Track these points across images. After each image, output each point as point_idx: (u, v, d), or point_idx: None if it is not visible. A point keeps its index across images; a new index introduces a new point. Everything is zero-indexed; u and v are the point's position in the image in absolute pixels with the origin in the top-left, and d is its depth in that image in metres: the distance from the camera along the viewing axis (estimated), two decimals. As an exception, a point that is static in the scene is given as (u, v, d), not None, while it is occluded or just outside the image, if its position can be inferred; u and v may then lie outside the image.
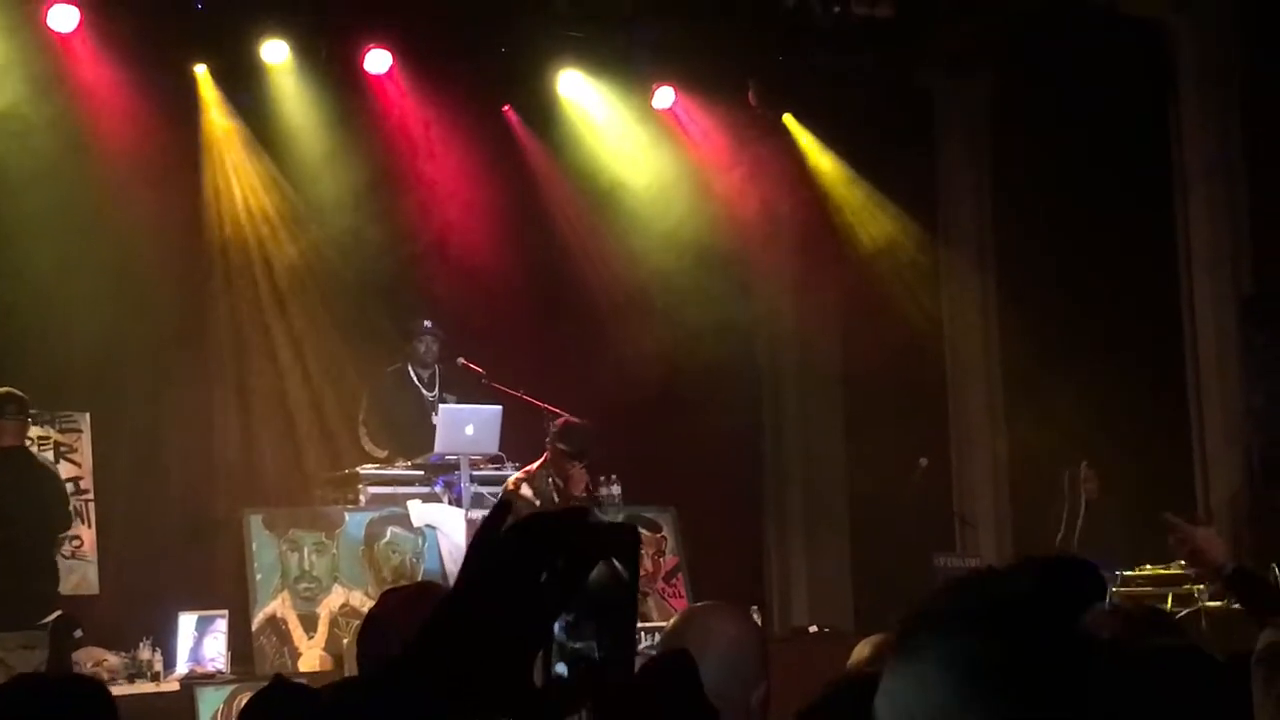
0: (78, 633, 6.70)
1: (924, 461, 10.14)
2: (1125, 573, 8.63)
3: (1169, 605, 8.30)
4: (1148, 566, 8.71)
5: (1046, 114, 10.02)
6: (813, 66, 10.27)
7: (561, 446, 7.80)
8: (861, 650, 3.36)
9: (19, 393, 6.68)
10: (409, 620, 2.86)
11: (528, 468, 7.85)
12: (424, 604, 2.94)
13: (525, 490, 7.80)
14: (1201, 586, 8.51)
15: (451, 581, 5.99)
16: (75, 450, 7.28)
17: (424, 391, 9.28)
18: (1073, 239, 9.91)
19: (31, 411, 7.12)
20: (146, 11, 9.01)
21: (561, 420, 7.84)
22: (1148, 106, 9.68)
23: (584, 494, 7.78)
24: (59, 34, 8.88)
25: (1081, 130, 9.74)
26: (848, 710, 2.42)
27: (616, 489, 9.40)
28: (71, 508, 6.73)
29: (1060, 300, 10.07)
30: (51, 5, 8.76)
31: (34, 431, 7.60)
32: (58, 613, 6.44)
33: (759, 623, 8.94)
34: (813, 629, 10.20)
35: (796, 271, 11.16)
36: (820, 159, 11.05)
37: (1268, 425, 9.29)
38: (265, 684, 2.76)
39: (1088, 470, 9.32)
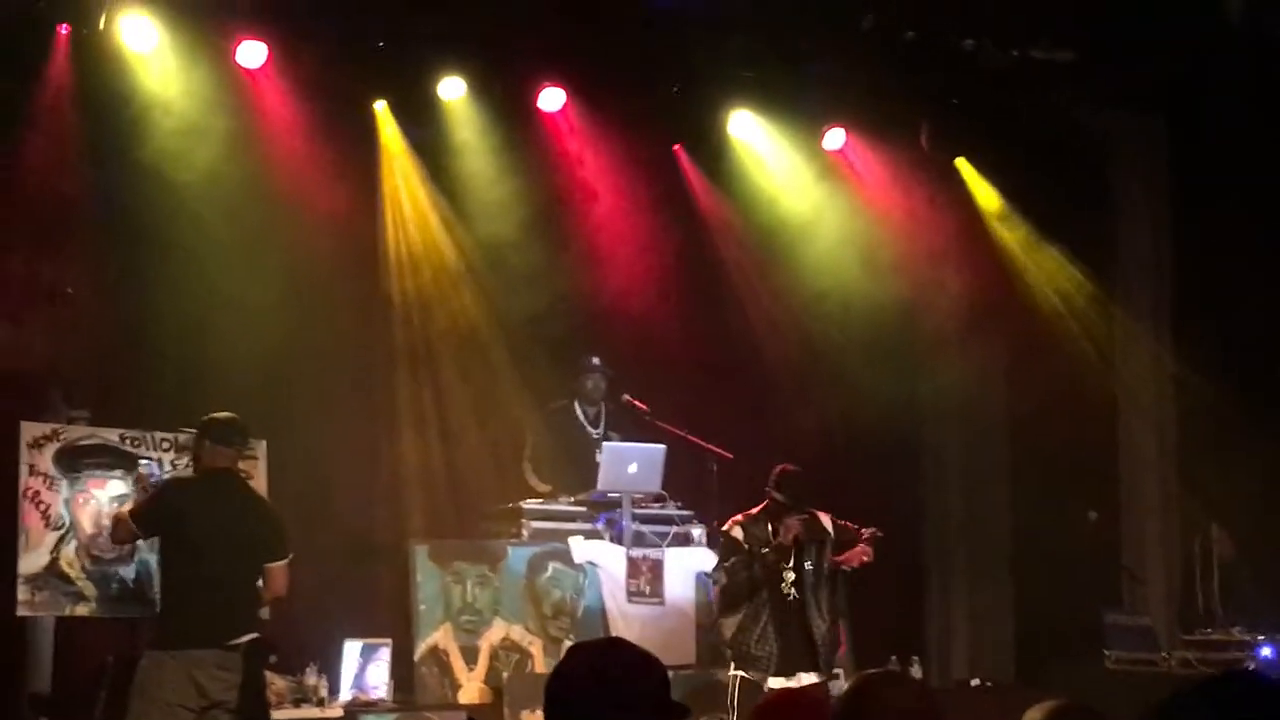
0: (272, 658, 6.81)
1: (1094, 515, 9.92)
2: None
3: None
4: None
5: (1228, 157, 9.74)
6: (987, 109, 10.13)
7: (778, 496, 7.73)
8: (1034, 715, 3.27)
9: (235, 417, 6.80)
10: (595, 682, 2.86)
11: (748, 511, 7.79)
12: (612, 660, 2.93)
13: (736, 533, 7.73)
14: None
15: (611, 619, 6.00)
16: (252, 477, 7.42)
17: (589, 428, 9.33)
18: (1257, 299, 9.60)
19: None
20: (330, 48, 9.20)
21: (779, 469, 7.79)
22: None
23: (792, 544, 7.67)
24: (247, 69, 9.13)
25: (1266, 175, 9.46)
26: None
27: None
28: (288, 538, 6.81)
29: (1241, 360, 9.77)
30: (241, 41, 9.01)
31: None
32: (252, 635, 6.52)
33: (921, 676, 8.83)
34: (974, 682, 10.02)
35: (966, 313, 11.00)
36: (992, 204, 10.89)
37: None
38: (425, 713, 2.77)
39: (1220, 532, 9.04)
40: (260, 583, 6.68)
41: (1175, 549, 10.52)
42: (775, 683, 7.47)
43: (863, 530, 7.82)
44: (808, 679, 7.55)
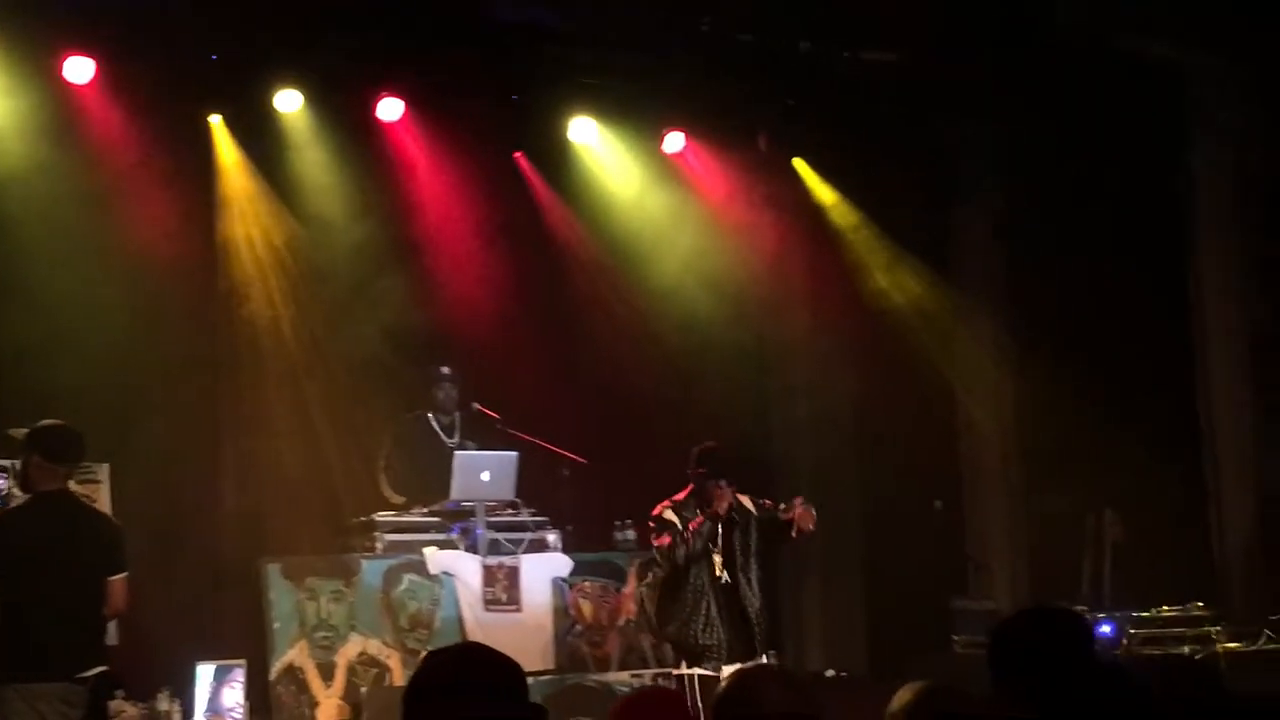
0: (119, 692, 6.62)
1: (939, 504, 10.15)
2: (1142, 614, 8.62)
3: (1186, 648, 8.30)
4: (1164, 609, 8.71)
5: (1059, 157, 10.05)
6: (824, 112, 10.32)
7: (701, 470, 7.54)
8: (904, 696, 3.35)
9: (74, 431, 6.49)
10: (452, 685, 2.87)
11: (674, 497, 7.62)
12: (467, 662, 2.94)
13: (669, 515, 7.55)
14: (1219, 628, 8.51)
15: (469, 628, 5.93)
16: (95, 501, 7.26)
17: (444, 438, 9.29)
18: (1086, 283, 9.93)
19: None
20: (161, 62, 9.05)
21: (698, 448, 7.58)
22: (1162, 147, 9.73)
23: (727, 513, 7.50)
24: (75, 85, 8.93)
25: (1095, 173, 9.79)
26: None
27: (631, 533, 9.40)
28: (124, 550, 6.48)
29: (1074, 344, 10.09)
30: (67, 57, 8.82)
31: (54, 483, 7.56)
32: (101, 669, 6.29)
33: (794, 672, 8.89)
34: (829, 673, 10.18)
35: (808, 312, 11.17)
36: (831, 204, 11.08)
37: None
38: None
39: (1113, 516, 9.31)
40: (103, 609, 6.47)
41: (1022, 532, 10.80)
42: (731, 671, 7.21)
43: (783, 505, 7.73)
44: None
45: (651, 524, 7.72)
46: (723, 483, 7.51)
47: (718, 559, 7.57)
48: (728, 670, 7.18)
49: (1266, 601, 8.81)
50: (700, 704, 7.13)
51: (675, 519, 7.55)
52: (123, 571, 6.39)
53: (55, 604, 6.22)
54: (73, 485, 7.11)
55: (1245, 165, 9.49)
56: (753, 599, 7.57)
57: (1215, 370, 9.62)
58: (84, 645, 6.28)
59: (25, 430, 6.43)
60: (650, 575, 7.87)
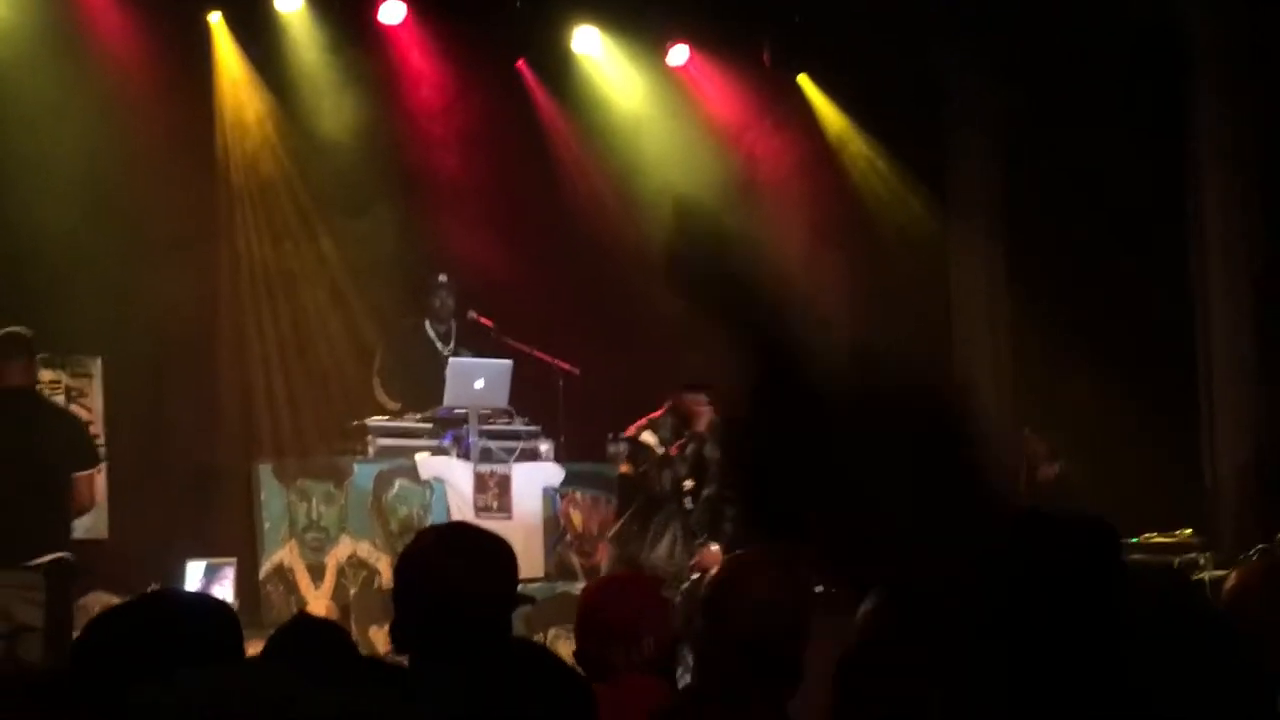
0: (84, 576, 6.62)
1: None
2: (1130, 540, 8.65)
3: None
4: (1153, 535, 8.74)
5: (1060, 86, 9.95)
6: (828, 28, 10.21)
7: (683, 383, 7.35)
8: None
9: (23, 331, 6.52)
10: (443, 555, 2.87)
11: (651, 415, 7.43)
12: (458, 535, 2.94)
13: (646, 437, 7.39)
14: (1206, 555, 8.54)
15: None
16: (86, 395, 7.27)
17: (439, 345, 9.27)
18: (1085, 214, 9.88)
19: (41, 355, 7.03)
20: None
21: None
22: (1163, 80, 9.65)
23: (708, 430, 7.26)
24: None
25: (1096, 103, 9.71)
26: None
27: (625, 446, 9.40)
28: (96, 446, 6.54)
29: (1070, 273, 10.06)
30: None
31: (45, 375, 7.54)
32: (55, 555, 6.33)
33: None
34: (819, 589, 10.21)
35: (807, 231, 11.12)
36: (833, 121, 11.00)
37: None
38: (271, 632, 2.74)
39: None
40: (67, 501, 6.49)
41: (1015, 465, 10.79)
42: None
43: None
44: None
45: (625, 446, 7.49)
46: (701, 397, 7.24)
47: (688, 484, 7.30)
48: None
49: (1256, 532, 8.84)
50: None
51: (652, 441, 7.31)
52: (89, 468, 6.45)
53: (5, 496, 6.24)
54: (64, 377, 7.13)
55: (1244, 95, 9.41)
56: (727, 525, 7.27)
57: (1215, 299, 9.58)
58: (34, 534, 6.29)
59: None
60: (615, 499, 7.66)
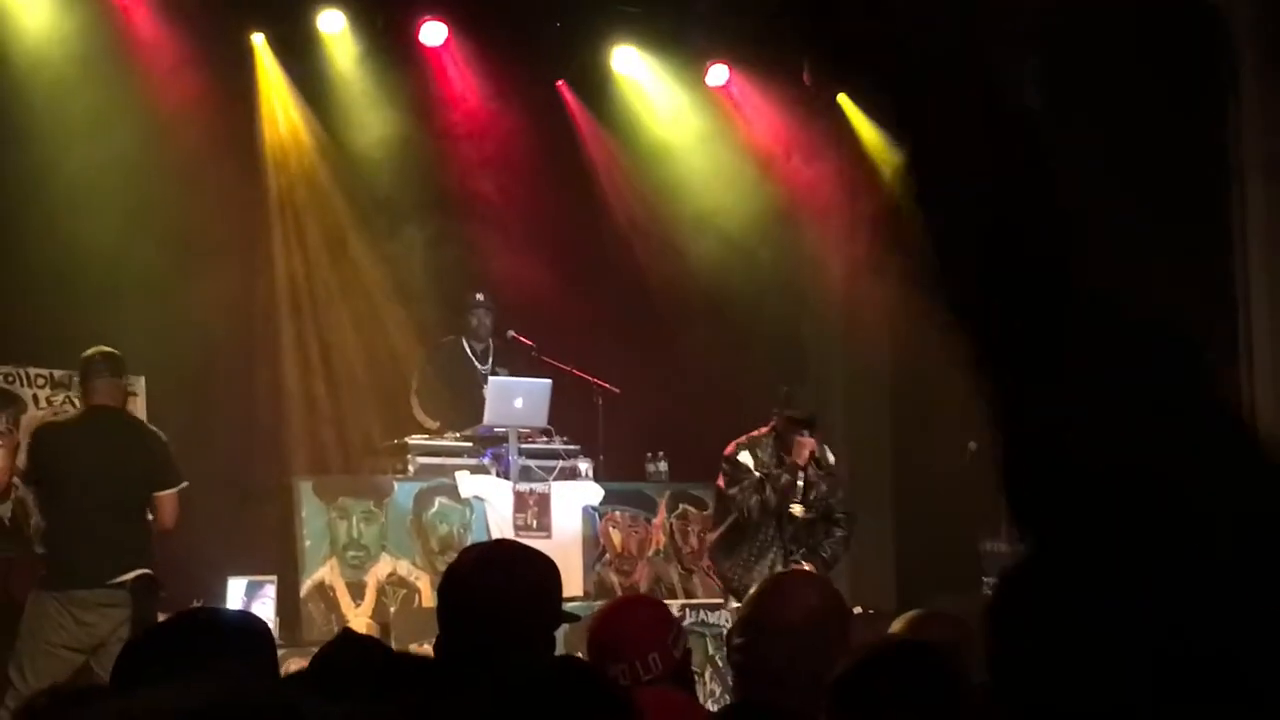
0: (162, 593, 6.72)
1: (974, 445, 10.07)
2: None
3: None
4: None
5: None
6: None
7: (789, 414, 7.22)
8: (896, 626, 3.40)
9: (112, 351, 6.67)
10: (485, 572, 2.88)
11: (752, 434, 7.29)
12: (501, 552, 2.94)
13: (744, 457, 7.23)
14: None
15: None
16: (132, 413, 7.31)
17: (477, 364, 9.30)
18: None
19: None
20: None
21: (786, 388, 7.32)
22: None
23: (807, 464, 7.22)
24: (119, 2, 8.91)
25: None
26: (881, 674, 2.45)
27: (664, 465, 9.41)
28: (178, 466, 6.70)
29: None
30: (114, -28, 8.80)
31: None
32: (139, 571, 6.43)
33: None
34: (856, 610, 10.17)
35: (847, 252, 11.10)
36: (874, 140, 10.97)
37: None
38: (313, 649, 2.77)
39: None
40: (151, 516, 6.61)
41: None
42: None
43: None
44: None
45: (723, 464, 7.37)
46: (805, 433, 7.19)
47: (797, 509, 7.23)
48: None
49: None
50: None
51: (749, 462, 7.26)
52: (171, 487, 6.56)
53: (97, 515, 6.36)
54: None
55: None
56: (825, 551, 7.34)
57: (1254, 223, 9.39)
58: (118, 553, 6.39)
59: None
60: (711, 510, 7.62)
